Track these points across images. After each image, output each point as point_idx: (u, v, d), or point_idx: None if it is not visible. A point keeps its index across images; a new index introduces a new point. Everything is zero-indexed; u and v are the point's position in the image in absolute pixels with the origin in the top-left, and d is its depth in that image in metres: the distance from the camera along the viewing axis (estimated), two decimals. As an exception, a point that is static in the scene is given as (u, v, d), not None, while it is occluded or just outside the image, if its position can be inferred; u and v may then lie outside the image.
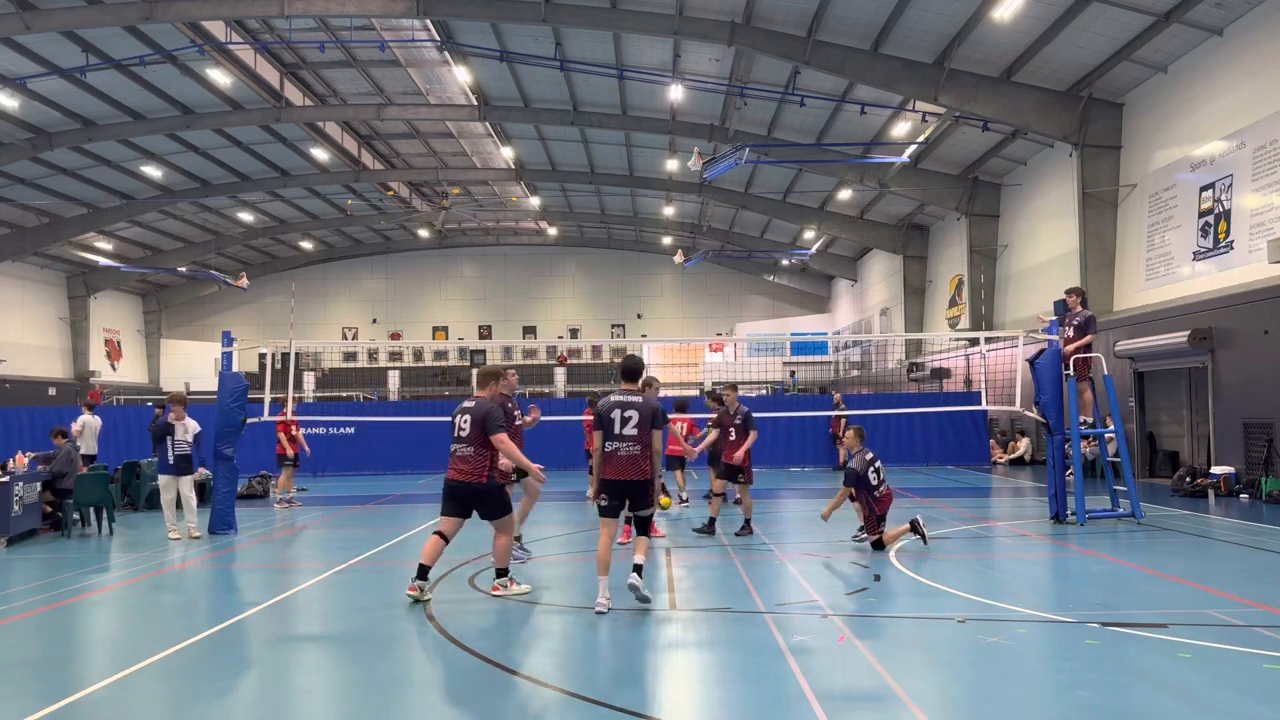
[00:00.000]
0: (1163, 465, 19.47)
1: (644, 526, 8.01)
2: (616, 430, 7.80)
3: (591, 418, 8.47)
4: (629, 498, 7.87)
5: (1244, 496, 15.56)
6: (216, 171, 33.11)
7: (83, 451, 15.79)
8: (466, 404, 8.33)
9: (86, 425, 16.71)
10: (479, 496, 8.18)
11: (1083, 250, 21.22)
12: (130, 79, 24.87)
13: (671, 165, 32.08)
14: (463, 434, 8.13)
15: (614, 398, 7.95)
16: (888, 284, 36.82)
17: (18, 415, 24.72)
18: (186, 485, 12.83)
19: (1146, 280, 19.94)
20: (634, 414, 7.80)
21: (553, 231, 45.84)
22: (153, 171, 31.82)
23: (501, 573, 8.49)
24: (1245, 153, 16.93)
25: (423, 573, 8.19)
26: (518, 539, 10.14)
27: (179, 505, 12.88)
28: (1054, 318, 13.47)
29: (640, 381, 8.30)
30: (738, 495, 12.80)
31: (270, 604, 8.41)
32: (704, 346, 41.58)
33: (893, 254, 35.02)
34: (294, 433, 16.91)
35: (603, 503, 7.89)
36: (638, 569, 7.77)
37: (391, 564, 10.55)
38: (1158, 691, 5.52)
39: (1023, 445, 24.42)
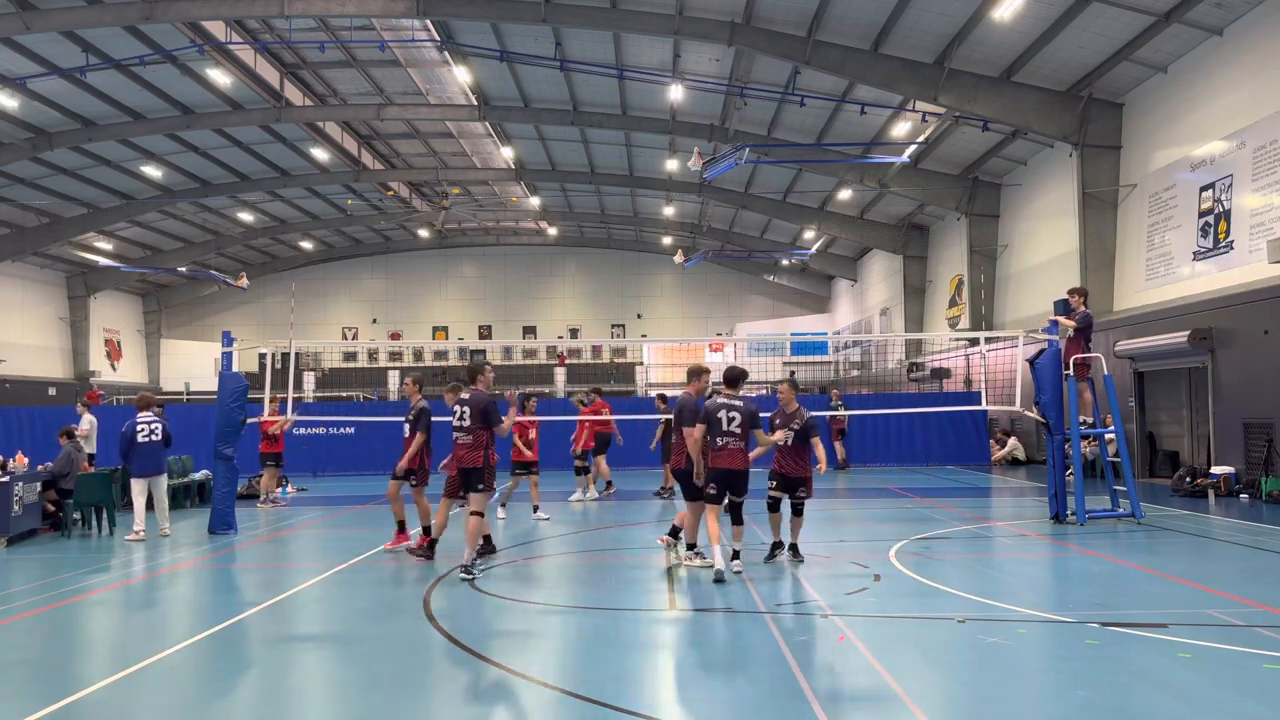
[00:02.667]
0: (1163, 465, 19.47)
1: (739, 513, 9.50)
2: (724, 428, 9.20)
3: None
4: (731, 485, 9.27)
5: (1244, 496, 15.56)
6: (216, 171, 33.09)
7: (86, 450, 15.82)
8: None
9: (93, 425, 16.78)
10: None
11: (1083, 250, 21.21)
12: (130, 79, 24.85)
13: (671, 165, 32.06)
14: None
15: (720, 400, 9.34)
16: (888, 284, 36.81)
17: (18, 415, 24.71)
18: None
19: (1146, 280, 19.94)
20: (736, 415, 9.22)
21: (553, 231, 45.82)
22: (153, 171, 31.80)
23: (690, 545, 9.85)
24: (1245, 153, 16.92)
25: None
26: (471, 567, 9.34)
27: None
28: (1054, 319, 13.46)
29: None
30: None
31: (270, 604, 8.41)
32: (704, 346, 41.51)
33: (893, 254, 35.00)
34: (274, 431, 17.03)
35: (711, 491, 9.20)
36: (736, 554, 9.31)
37: (391, 564, 10.55)
38: (1158, 691, 5.52)
39: (1010, 444, 24.35)
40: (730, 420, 9.23)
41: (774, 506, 9.99)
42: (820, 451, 9.98)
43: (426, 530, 10.64)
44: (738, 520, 9.50)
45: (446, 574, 9.59)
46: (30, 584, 9.73)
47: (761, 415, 9.63)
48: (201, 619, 7.99)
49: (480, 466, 9.44)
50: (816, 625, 7.19)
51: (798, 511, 9.94)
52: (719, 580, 8.70)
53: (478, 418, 9.50)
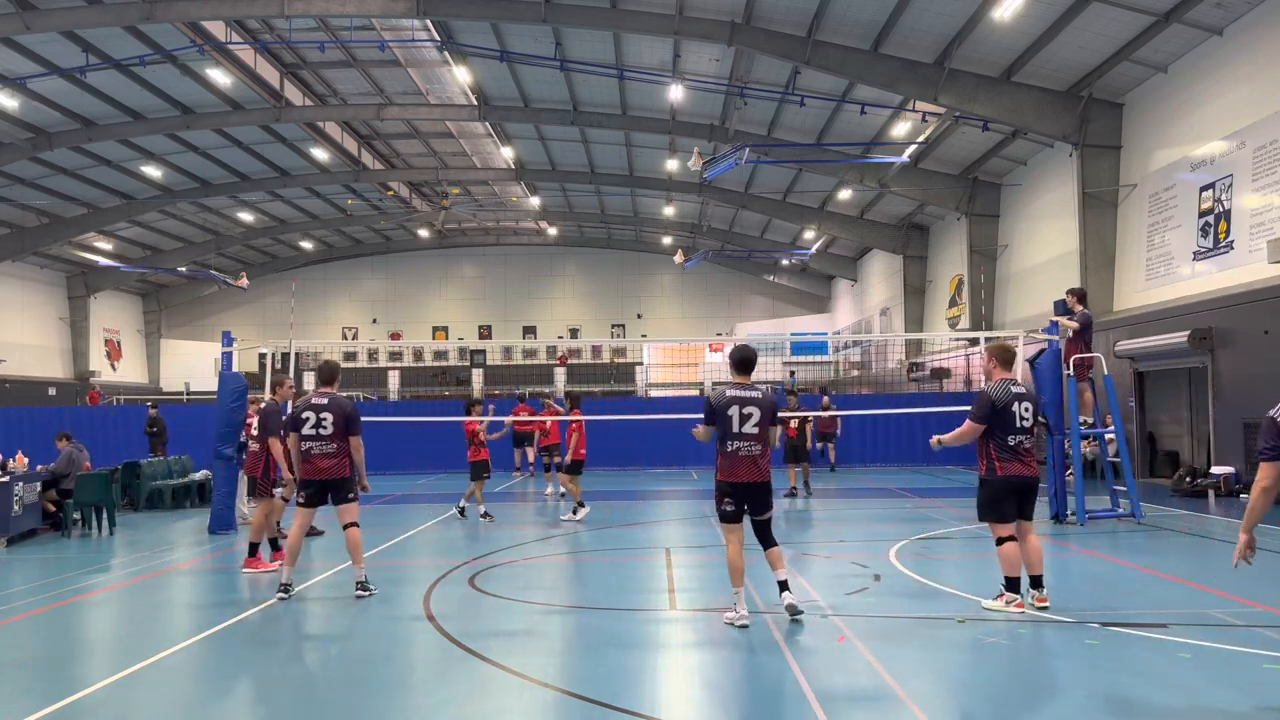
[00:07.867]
0: (1163, 465, 19.47)
1: (769, 534, 7.39)
2: (735, 429, 7.14)
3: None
4: (750, 501, 7.28)
5: (1244, 496, 15.55)
6: (216, 171, 33.10)
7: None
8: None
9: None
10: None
11: (1083, 250, 21.22)
12: (130, 79, 24.85)
13: (671, 165, 32.07)
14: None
15: (730, 392, 7.23)
16: (888, 284, 36.81)
17: (18, 415, 24.72)
18: None
19: (1146, 280, 19.94)
20: (754, 411, 7.13)
21: (553, 231, 45.83)
22: (153, 171, 31.81)
23: (1010, 584, 7.62)
24: (1245, 153, 16.92)
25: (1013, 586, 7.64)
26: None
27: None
28: (1055, 319, 13.47)
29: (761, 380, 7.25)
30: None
31: (270, 604, 8.40)
32: (704, 346, 41.52)
33: (893, 254, 35.01)
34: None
35: (727, 507, 7.26)
36: (784, 585, 7.28)
37: (391, 564, 10.55)
38: (1158, 691, 5.52)
39: None
40: (745, 418, 7.12)
41: None
42: None
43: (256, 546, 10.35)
44: (771, 542, 7.37)
45: (446, 574, 9.59)
46: (30, 584, 9.73)
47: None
48: (201, 619, 7.98)
49: (349, 476, 8.57)
50: (816, 625, 7.18)
51: None
52: (744, 627, 7.02)
53: (341, 425, 8.43)
